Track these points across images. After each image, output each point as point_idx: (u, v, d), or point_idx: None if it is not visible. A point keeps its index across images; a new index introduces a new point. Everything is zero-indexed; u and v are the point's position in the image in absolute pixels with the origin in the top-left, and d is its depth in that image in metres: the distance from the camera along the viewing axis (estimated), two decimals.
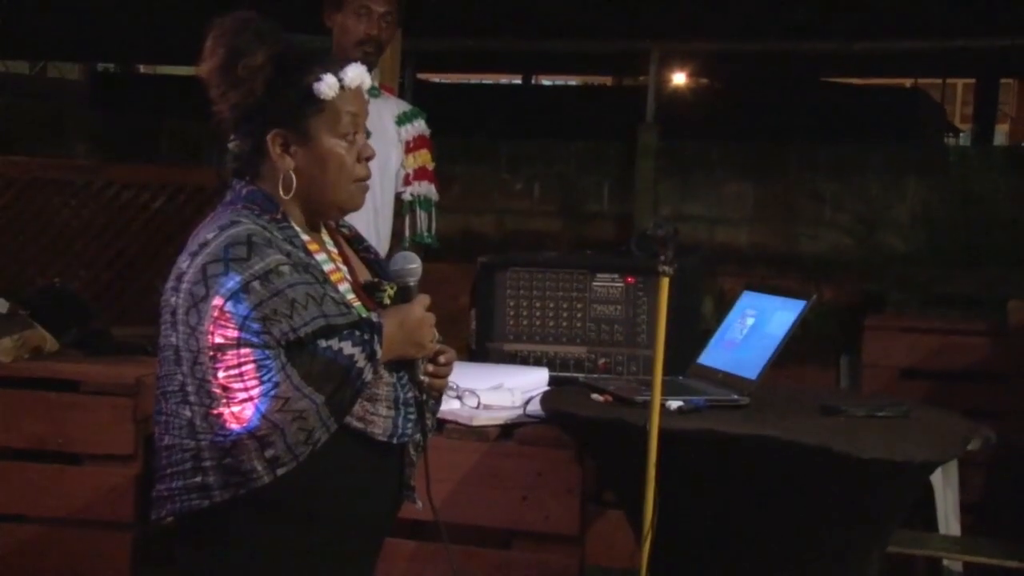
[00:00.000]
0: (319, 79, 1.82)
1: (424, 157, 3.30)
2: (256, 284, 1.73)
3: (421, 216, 3.30)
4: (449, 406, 2.69)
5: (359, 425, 1.81)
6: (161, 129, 6.76)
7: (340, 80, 1.84)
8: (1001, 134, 12.76)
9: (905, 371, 4.17)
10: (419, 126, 3.30)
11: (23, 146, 6.32)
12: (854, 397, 3.25)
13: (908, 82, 10.64)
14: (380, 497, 1.89)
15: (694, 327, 3.21)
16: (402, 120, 3.28)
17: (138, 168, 4.97)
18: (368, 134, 1.92)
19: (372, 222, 3.10)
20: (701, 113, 7.86)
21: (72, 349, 3.35)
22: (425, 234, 3.30)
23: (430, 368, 1.90)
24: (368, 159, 1.89)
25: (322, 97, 1.83)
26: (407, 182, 3.28)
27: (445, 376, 1.94)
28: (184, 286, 1.76)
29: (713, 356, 2.75)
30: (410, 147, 3.28)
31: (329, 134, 1.85)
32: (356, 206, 1.92)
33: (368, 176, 1.91)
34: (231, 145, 1.90)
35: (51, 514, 3.10)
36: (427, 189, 3.31)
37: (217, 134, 1.90)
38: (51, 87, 10.70)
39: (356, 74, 1.86)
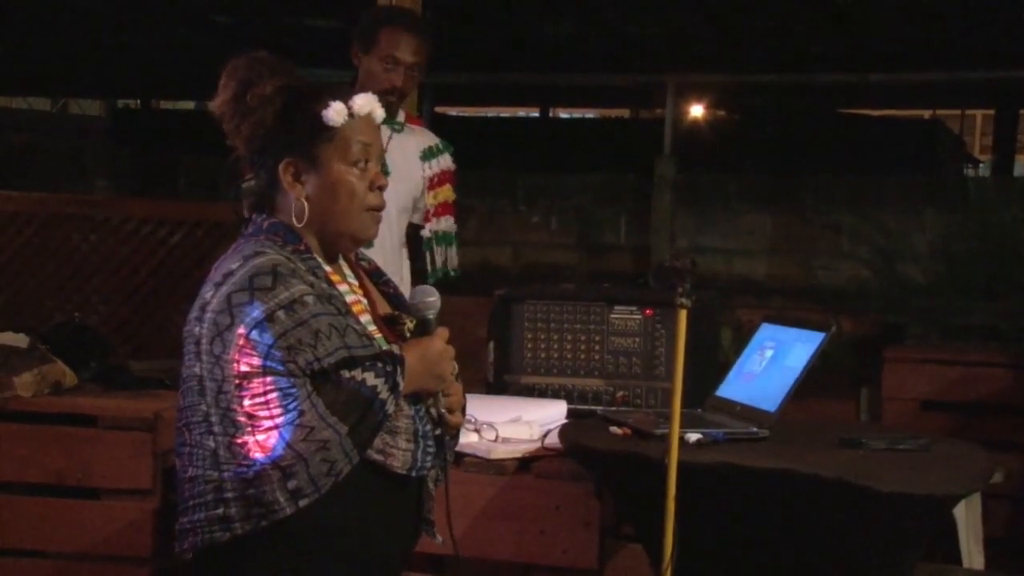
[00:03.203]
0: (327, 106, 1.85)
1: (446, 193, 3.32)
2: (281, 314, 1.75)
3: (440, 252, 3.32)
4: (467, 439, 2.69)
5: (378, 457, 1.81)
6: (179, 164, 6.82)
7: (349, 108, 1.86)
8: (1021, 165, 12.72)
9: (925, 403, 4.15)
10: (444, 161, 3.31)
11: (44, 181, 6.39)
12: (874, 430, 3.23)
13: (926, 113, 10.64)
14: (398, 531, 1.89)
15: (712, 359, 3.20)
16: (427, 156, 3.28)
17: (157, 203, 5.01)
18: (386, 169, 1.93)
19: (385, 256, 3.10)
20: (718, 145, 7.89)
21: (91, 384, 3.37)
22: (449, 269, 3.32)
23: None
24: (381, 188, 1.91)
25: (331, 124, 1.85)
26: (427, 219, 3.30)
27: (457, 410, 1.94)
28: (208, 315, 1.78)
29: (732, 389, 2.75)
30: (433, 183, 3.28)
31: (339, 162, 1.87)
32: (369, 236, 1.93)
33: (382, 205, 1.92)
34: (246, 182, 1.93)
35: (69, 549, 3.10)
36: (448, 224, 3.33)
37: (230, 170, 1.93)
38: (72, 123, 10.82)
39: (364, 102, 1.89)
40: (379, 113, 1.92)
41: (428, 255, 3.31)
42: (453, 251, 3.34)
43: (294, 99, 1.86)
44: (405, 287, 3.17)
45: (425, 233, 3.30)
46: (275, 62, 1.88)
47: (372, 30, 3.08)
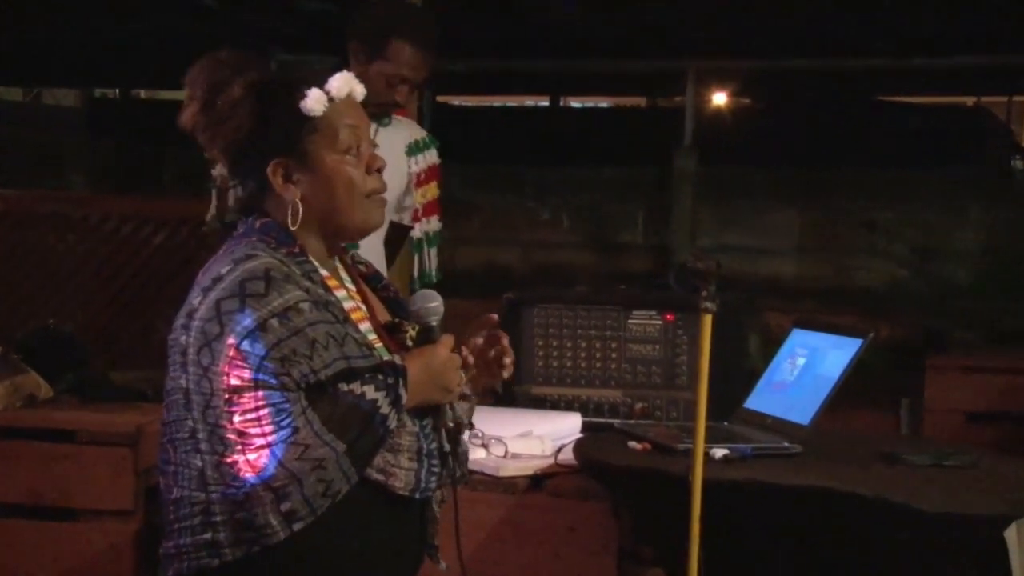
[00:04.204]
0: (305, 96, 1.85)
1: (433, 190, 3.31)
2: (274, 322, 1.74)
3: (431, 253, 3.32)
4: (474, 455, 2.68)
5: (379, 477, 1.81)
6: (163, 158, 6.84)
7: (327, 92, 1.86)
8: None
9: (971, 415, 4.14)
10: (431, 156, 3.30)
11: (16, 177, 6.40)
12: (916, 444, 3.22)
13: (971, 100, 10.62)
14: (400, 556, 1.89)
15: (739, 368, 3.20)
16: (413, 150, 3.27)
17: (138, 200, 5.03)
18: (375, 146, 1.93)
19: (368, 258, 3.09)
20: (743, 136, 7.87)
21: (68, 396, 3.38)
22: (433, 272, 3.32)
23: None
24: (379, 170, 1.91)
25: (312, 114, 1.85)
26: (416, 218, 3.29)
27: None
28: (196, 324, 1.78)
29: (761, 400, 2.75)
30: (420, 180, 3.27)
31: (330, 152, 1.87)
32: (376, 223, 1.93)
33: (383, 188, 1.92)
34: (231, 189, 1.93)
35: (45, 574, 3.11)
36: (436, 224, 3.33)
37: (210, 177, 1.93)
38: (46, 114, 10.85)
39: (342, 83, 1.88)
40: (359, 91, 1.92)
41: (418, 258, 3.30)
42: (435, 252, 3.34)
43: (268, 95, 1.85)
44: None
45: (415, 234, 3.30)
46: (238, 59, 1.88)
47: (380, 37, 3.05)
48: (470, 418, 1.95)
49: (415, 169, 3.27)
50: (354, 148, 1.88)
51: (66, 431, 3.12)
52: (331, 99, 1.87)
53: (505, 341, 1.97)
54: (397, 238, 3.28)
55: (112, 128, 8.89)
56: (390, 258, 3.27)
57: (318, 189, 1.87)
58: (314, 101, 1.85)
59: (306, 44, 5.14)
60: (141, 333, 4.54)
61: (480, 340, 1.96)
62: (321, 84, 1.87)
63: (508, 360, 1.97)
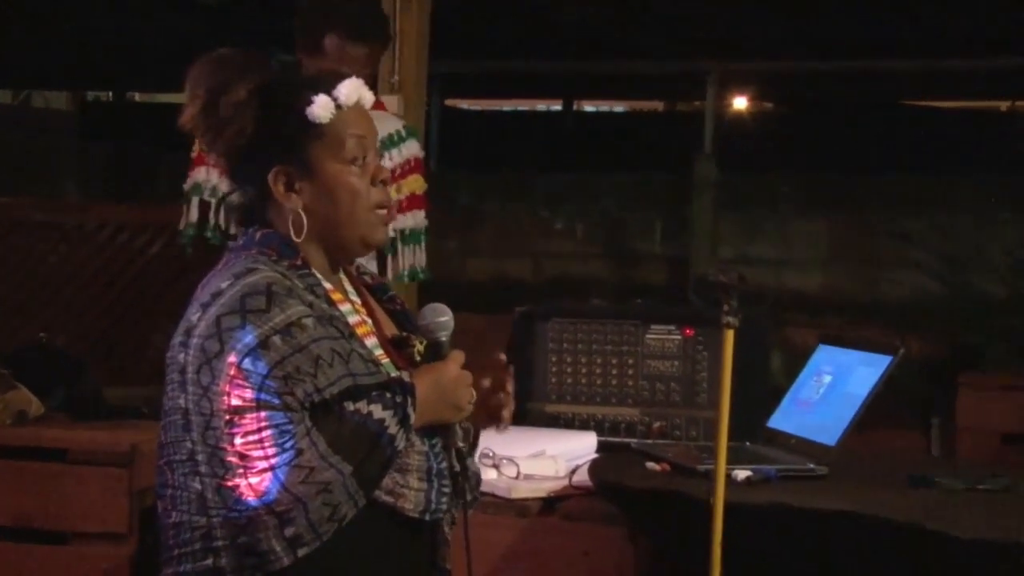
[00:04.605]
0: (311, 102, 1.85)
1: (413, 184, 3.29)
2: (276, 339, 1.74)
3: (408, 252, 3.30)
4: (485, 476, 2.68)
5: (388, 499, 1.81)
6: (160, 164, 6.86)
7: (335, 99, 1.87)
8: None
9: (1007, 436, 4.13)
10: (409, 148, 3.29)
11: (5, 184, 6.43)
12: (948, 466, 3.22)
13: (1004, 105, 10.61)
14: None
15: (762, 385, 3.20)
16: (387, 145, 3.24)
17: (134, 208, 5.05)
18: (380, 156, 1.94)
19: None
20: (766, 142, 7.88)
21: (59, 413, 3.38)
22: (418, 270, 3.30)
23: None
24: (384, 182, 1.92)
25: (318, 121, 1.86)
26: (390, 216, 3.28)
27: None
28: (195, 341, 1.78)
29: (785, 419, 2.75)
30: (396, 175, 3.24)
31: (334, 161, 1.87)
32: (381, 238, 1.94)
33: (388, 202, 1.93)
34: (232, 196, 1.94)
35: None
36: (417, 219, 3.31)
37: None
38: (36, 118, 10.88)
39: (351, 89, 1.88)
40: (368, 98, 1.93)
41: (391, 258, 3.28)
42: (422, 249, 3.32)
43: (273, 99, 1.86)
44: None
45: (388, 232, 3.30)
46: (243, 59, 1.88)
47: (315, 34, 3.06)
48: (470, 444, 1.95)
49: (389, 165, 3.24)
50: (360, 158, 1.89)
51: (57, 450, 3.13)
52: (339, 106, 1.87)
53: (509, 388, 1.95)
54: None
55: (106, 132, 8.93)
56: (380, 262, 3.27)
57: (320, 199, 1.87)
58: (321, 108, 1.85)
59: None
60: (137, 347, 4.55)
61: (487, 383, 1.96)
62: (329, 90, 1.87)
63: (506, 412, 1.95)
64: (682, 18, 5.99)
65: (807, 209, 6.06)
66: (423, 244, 3.32)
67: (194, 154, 3.37)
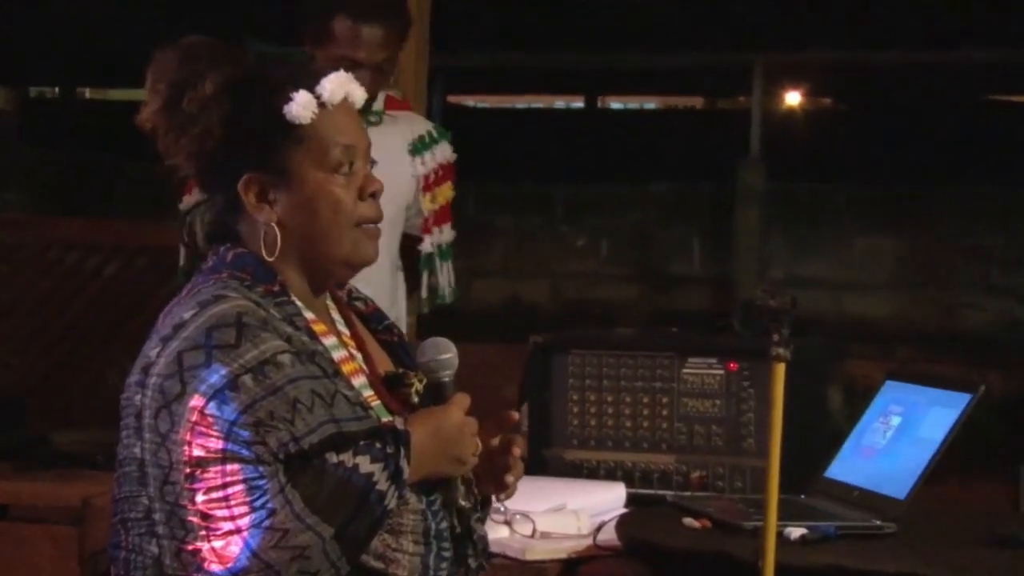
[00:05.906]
0: (289, 99, 1.85)
1: (446, 192, 3.34)
2: (247, 379, 1.74)
3: (445, 269, 3.35)
4: (495, 535, 2.69)
5: (378, 565, 1.81)
6: (116, 172, 6.89)
7: (318, 96, 1.87)
8: None
9: None
10: (442, 152, 3.34)
11: None
12: None
13: None
14: None
15: (820, 429, 3.20)
16: (418, 148, 3.29)
17: (86, 224, 5.07)
18: (373, 163, 1.94)
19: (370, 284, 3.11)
20: (821, 145, 7.90)
21: (0, 462, 3.40)
22: (447, 291, 3.35)
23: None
24: (374, 195, 1.92)
25: (298, 122, 1.86)
26: (426, 229, 3.32)
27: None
28: (153, 381, 1.78)
29: (846, 468, 2.75)
30: (430, 182, 3.30)
31: (315, 169, 1.87)
32: (367, 258, 1.93)
33: (378, 217, 1.92)
34: (203, 208, 1.94)
35: None
36: (449, 234, 3.36)
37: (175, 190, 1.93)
38: None
39: (336, 85, 1.88)
40: (358, 95, 1.92)
41: (426, 275, 3.33)
42: (450, 266, 3.37)
43: (245, 96, 1.86)
44: (400, 321, 3.18)
45: (425, 247, 3.32)
46: (213, 48, 1.88)
47: (322, 19, 3.09)
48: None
49: (422, 170, 3.29)
50: (346, 166, 1.88)
51: None
52: (322, 104, 1.88)
53: (517, 452, 1.95)
54: (413, 250, 3.31)
55: (52, 135, 8.98)
56: (407, 273, 3.32)
57: (298, 212, 1.87)
58: (301, 106, 1.85)
59: (288, 36, 5.17)
60: (89, 385, 4.55)
61: (495, 443, 1.96)
62: (311, 85, 1.86)
63: (511, 478, 1.96)
64: (724, 3, 6.02)
65: (870, 223, 6.07)
66: (451, 262, 3.38)
67: None
